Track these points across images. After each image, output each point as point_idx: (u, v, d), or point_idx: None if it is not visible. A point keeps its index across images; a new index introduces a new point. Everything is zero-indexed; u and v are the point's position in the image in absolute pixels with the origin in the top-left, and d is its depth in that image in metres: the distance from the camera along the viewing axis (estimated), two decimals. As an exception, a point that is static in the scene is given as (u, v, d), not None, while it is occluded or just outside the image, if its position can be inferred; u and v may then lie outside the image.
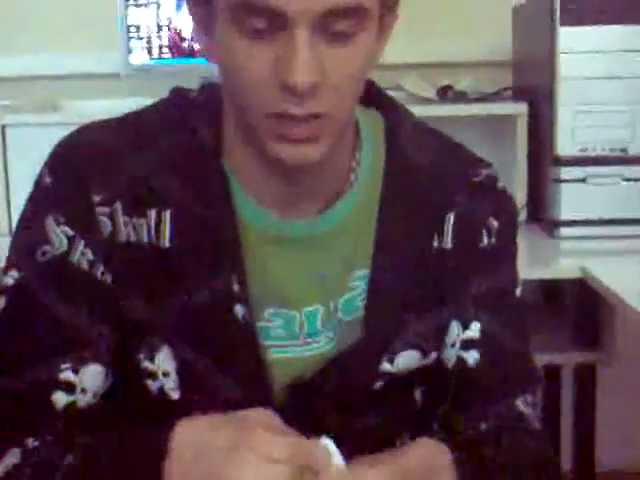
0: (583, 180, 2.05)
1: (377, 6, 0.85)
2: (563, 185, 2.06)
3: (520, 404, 0.99)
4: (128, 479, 0.81)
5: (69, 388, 0.90)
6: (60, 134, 0.96)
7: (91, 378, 0.91)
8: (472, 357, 0.98)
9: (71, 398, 0.90)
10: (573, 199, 2.05)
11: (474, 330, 0.98)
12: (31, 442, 0.88)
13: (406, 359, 0.96)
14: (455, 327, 0.98)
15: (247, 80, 0.83)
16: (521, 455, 0.95)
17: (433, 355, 0.97)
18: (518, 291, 1.02)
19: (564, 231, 2.07)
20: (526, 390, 1.00)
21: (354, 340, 0.95)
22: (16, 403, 0.90)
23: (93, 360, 0.91)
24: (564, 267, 1.93)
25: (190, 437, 0.78)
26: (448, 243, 0.97)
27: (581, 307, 2.06)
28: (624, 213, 2.06)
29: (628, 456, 2.42)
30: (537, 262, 1.94)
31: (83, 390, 0.90)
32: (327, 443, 0.78)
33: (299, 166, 0.87)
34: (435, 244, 0.96)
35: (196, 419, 0.80)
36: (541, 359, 1.06)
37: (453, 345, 0.98)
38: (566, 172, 2.05)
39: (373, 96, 0.99)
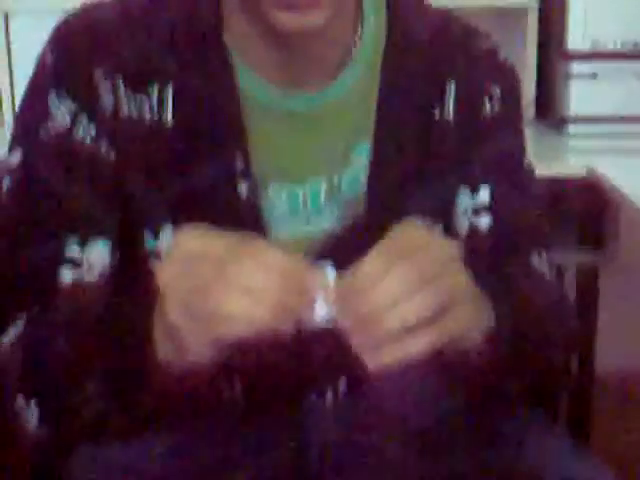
0: (594, 76, 2.01)
1: None
2: (573, 80, 2.02)
3: (536, 262, 1.00)
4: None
5: (76, 264, 0.91)
6: (67, 14, 0.95)
7: (97, 255, 0.92)
8: (484, 222, 0.98)
9: (78, 274, 0.91)
10: (583, 95, 2.02)
11: (484, 195, 0.98)
12: (35, 311, 0.89)
13: None
14: (464, 194, 0.98)
15: None
16: (538, 302, 0.94)
17: (440, 226, 0.97)
18: (525, 158, 1.02)
19: (573, 128, 2.04)
20: (539, 246, 1.01)
21: (357, 217, 0.95)
22: (24, 279, 0.91)
23: (100, 236, 0.91)
24: (571, 165, 1.91)
25: (187, 243, 0.77)
26: (450, 114, 0.97)
27: (587, 206, 2.05)
28: (635, 110, 2.02)
29: (628, 359, 2.43)
30: (544, 159, 1.91)
31: (89, 267, 0.91)
32: (328, 269, 0.76)
33: (301, 33, 0.86)
34: (437, 114, 0.96)
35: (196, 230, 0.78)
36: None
37: (465, 212, 0.98)
38: (576, 67, 2.01)
39: None
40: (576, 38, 2.01)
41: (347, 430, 0.96)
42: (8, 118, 2.17)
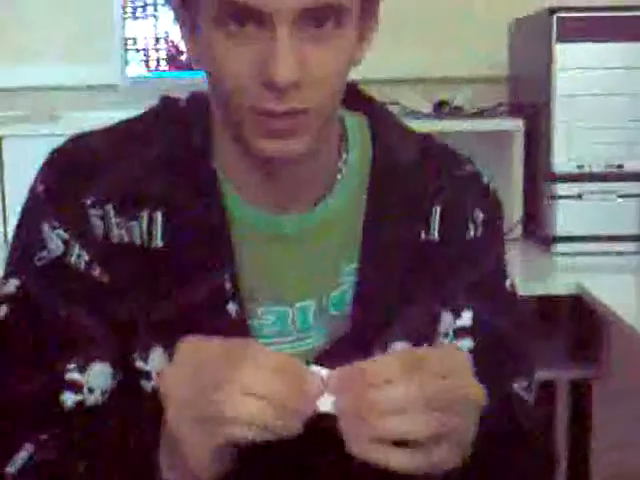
0: (579, 196, 2.06)
1: (358, 6, 0.88)
2: (559, 201, 2.06)
3: (516, 388, 1.00)
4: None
5: (76, 388, 0.91)
6: (56, 145, 0.97)
7: (98, 377, 0.92)
8: (465, 345, 0.99)
9: (79, 397, 0.91)
10: (569, 215, 2.06)
11: (466, 318, 0.99)
12: (43, 438, 0.89)
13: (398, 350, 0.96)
14: (447, 316, 0.99)
15: (231, 79, 0.85)
16: (516, 432, 0.95)
17: (424, 345, 0.98)
18: (508, 282, 1.03)
19: (560, 247, 2.07)
20: (521, 375, 1.01)
21: (344, 334, 0.96)
22: (27, 406, 0.91)
23: (99, 359, 0.92)
24: (560, 283, 1.92)
25: (188, 351, 0.80)
26: (435, 235, 0.98)
27: (576, 323, 2.06)
28: (620, 230, 2.06)
29: (622, 470, 2.41)
30: (533, 278, 1.95)
31: (90, 389, 0.92)
32: (321, 369, 0.79)
33: (282, 160, 0.89)
34: (422, 236, 0.98)
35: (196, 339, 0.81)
36: (536, 375, 1.06)
37: (446, 334, 0.99)
38: (562, 188, 2.06)
39: (358, 99, 1.01)
40: (561, 160, 2.05)
41: None
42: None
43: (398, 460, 0.75)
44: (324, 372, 0.78)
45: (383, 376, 0.75)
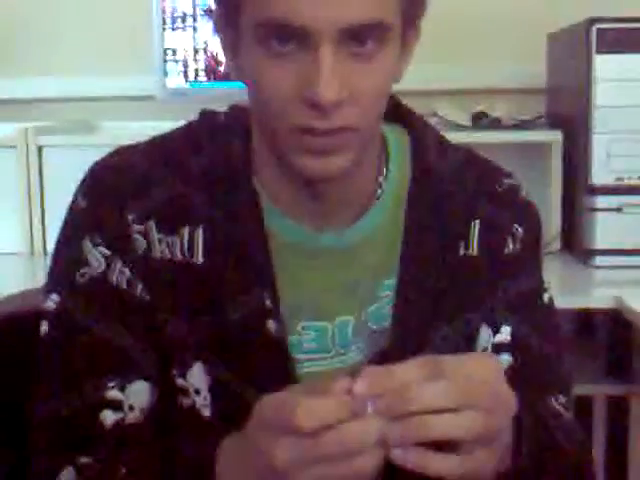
0: (618, 209, 2.04)
1: (399, 22, 0.87)
2: (598, 214, 2.04)
3: (554, 403, 0.99)
4: None
5: (117, 406, 0.91)
6: (95, 156, 0.98)
7: (138, 395, 0.92)
8: (504, 360, 0.98)
9: (119, 415, 0.91)
10: (608, 228, 2.04)
11: (505, 334, 0.99)
12: (84, 460, 0.89)
13: None
14: (485, 332, 0.98)
15: (273, 97, 0.85)
16: (554, 453, 0.93)
17: None
18: (547, 296, 1.02)
19: (599, 260, 2.05)
20: (559, 391, 1.00)
21: (383, 349, 0.95)
22: (67, 425, 0.91)
23: (139, 377, 0.92)
24: (598, 296, 1.91)
25: (227, 454, 0.80)
26: (474, 250, 0.98)
27: (615, 338, 2.04)
28: (659, 243, 2.04)
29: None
30: (571, 291, 1.93)
31: (130, 407, 0.92)
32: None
33: (323, 178, 0.89)
34: (461, 251, 0.98)
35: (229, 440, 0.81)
36: (574, 390, 1.05)
37: (485, 350, 0.98)
38: (601, 201, 2.04)
39: (398, 112, 1.01)
40: (600, 173, 2.04)
41: None
42: (38, 249, 2.21)
43: (437, 464, 0.73)
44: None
45: (413, 377, 0.73)
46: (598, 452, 2.23)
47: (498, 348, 0.98)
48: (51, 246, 0.99)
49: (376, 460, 0.72)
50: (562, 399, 1.00)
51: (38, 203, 2.21)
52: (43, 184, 2.22)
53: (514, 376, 0.96)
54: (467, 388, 0.74)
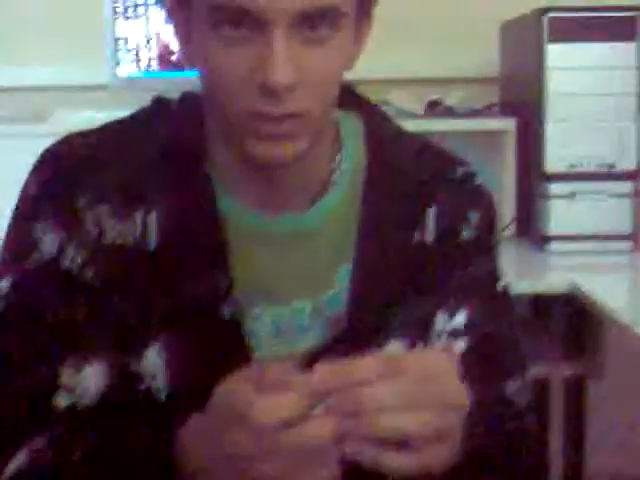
0: (572, 195, 2.06)
1: (353, 8, 0.87)
2: (552, 200, 2.06)
3: (507, 388, 0.99)
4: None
5: (70, 389, 0.91)
6: (46, 145, 0.96)
7: (92, 378, 0.91)
8: (459, 346, 0.98)
9: (73, 399, 0.91)
10: (562, 214, 2.06)
11: (460, 319, 0.99)
12: (36, 443, 0.88)
13: (393, 350, 0.95)
14: (441, 318, 0.98)
15: (225, 82, 0.85)
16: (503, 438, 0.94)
17: (420, 345, 0.98)
18: (502, 284, 1.03)
19: (553, 246, 2.07)
20: (513, 376, 1.01)
21: (339, 335, 0.95)
22: (19, 405, 0.90)
23: (94, 360, 0.91)
24: (553, 281, 1.94)
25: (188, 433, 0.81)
26: (429, 237, 0.98)
27: (570, 321, 2.06)
28: (612, 228, 2.07)
29: (617, 467, 2.41)
30: (526, 276, 1.95)
31: (84, 390, 0.91)
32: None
33: (276, 164, 0.88)
34: (417, 238, 0.98)
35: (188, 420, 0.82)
36: (530, 371, 1.06)
37: (439, 336, 0.98)
38: (555, 188, 2.06)
39: (352, 99, 1.01)
40: (554, 160, 2.06)
41: None
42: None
43: (390, 461, 0.74)
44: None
45: (368, 374, 0.74)
46: (555, 432, 2.26)
47: (453, 334, 0.98)
48: (0, 235, 0.97)
49: (334, 456, 0.73)
50: (518, 384, 1.01)
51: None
52: (-7, 175, 2.19)
53: (469, 361, 0.96)
54: (421, 387, 0.75)
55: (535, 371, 1.05)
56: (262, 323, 0.95)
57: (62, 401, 0.90)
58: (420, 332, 0.97)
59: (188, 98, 0.98)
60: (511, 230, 2.19)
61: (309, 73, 0.84)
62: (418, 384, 0.75)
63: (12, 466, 0.89)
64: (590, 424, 2.20)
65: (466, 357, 0.97)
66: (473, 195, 1.02)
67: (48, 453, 0.88)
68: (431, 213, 0.98)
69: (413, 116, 2.22)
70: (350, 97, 1.00)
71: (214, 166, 0.94)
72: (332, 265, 0.96)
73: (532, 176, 2.14)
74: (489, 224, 1.03)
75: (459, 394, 0.78)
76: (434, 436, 0.75)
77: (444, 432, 0.76)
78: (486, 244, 1.02)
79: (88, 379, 0.91)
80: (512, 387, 1.00)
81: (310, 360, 0.93)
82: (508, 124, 2.21)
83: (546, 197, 2.07)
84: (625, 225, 2.07)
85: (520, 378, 1.01)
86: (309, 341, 0.96)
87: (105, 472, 0.85)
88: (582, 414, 2.17)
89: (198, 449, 0.80)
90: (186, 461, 0.81)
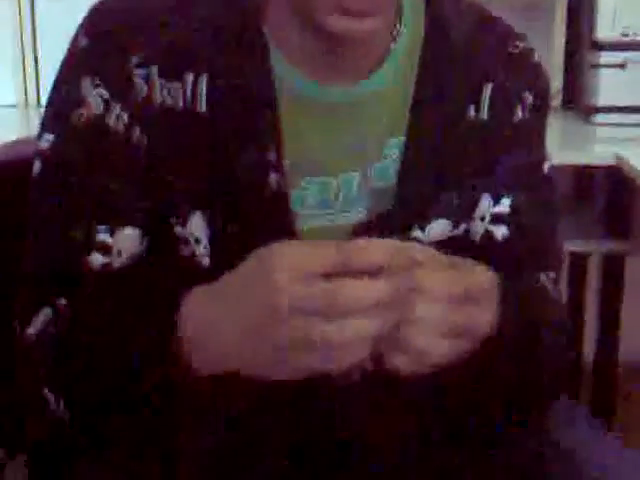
0: (622, 65, 2.01)
1: None
2: (601, 70, 2.02)
3: (543, 278, 1.00)
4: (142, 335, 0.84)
5: (105, 250, 0.91)
6: (91, 3, 0.94)
7: (127, 241, 0.91)
8: (500, 231, 0.98)
9: (107, 259, 0.91)
10: (611, 85, 2.02)
11: (504, 205, 0.98)
12: (63, 302, 0.89)
13: (438, 228, 0.96)
14: (486, 200, 0.98)
15: None
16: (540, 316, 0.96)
17: (463, 226, 0.98)
18: (547, 165, 1.02)
19: (600, 117, 2.04)
20: (550, 267, 1.01)
21: (386, 209, 0.95)
22: (52, 263, 0.91)
23: (129, 223, 0.91)
24: (598, 153, 1.91)
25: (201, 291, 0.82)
26: (484, 114, 0.97)
27: (614, 195, 2.04)
28: (663, 100, 2.02)
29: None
30: (571, 147, 1.93)
31: (119, 252, 0.91)
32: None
33: (356, 39, 0.87)
34: (471, 114, 0.96)
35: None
36: (569, 245, 1.06)
37: (482, 218, 0.98)
38: (605, 56, 2.01)
39: None
40: (605, 27, 2.00)
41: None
42: (32, 100, 2.21)
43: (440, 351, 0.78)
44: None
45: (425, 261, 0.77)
46: (591, 308, 2.27)
47: (496, 219, 0.98)
48: (45, 98, 0.97)
49: (374, 327, 0.74)
50: (552, 275, 1.01)
51: (32, 54, 2.17)
52: (36, 34, 2.17)
53: (509, 248, 0.98)
54: (471, 283, 0.79)
55: (575, 246, 1.04)
56: (309, 193, 0.94)
57: (96, 261, 0.91)
58: (464, 213, 0.97)
59: None
60: (557, 101, 2.15)
61: None
62: (471, 280, 0.79)
63: (39, 319, 0.89)
64: (627, 302, 2.20)
65: (506, 245, 0.98)
66: (530, 74, 0.99)
67: (72, 312, 0.88)
68: (488, 90, 0.97)
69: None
70: None
71: (273, 32, 0.92)
72: (383, 137, 0.95)
73: (582, 44, 2.09)
74: (543, 107, 1.01)
75: (489, 324, 0.81)
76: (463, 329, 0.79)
77: (475, 325, 0.80)
78: (538, 128, 1.01)
79: (123, 241, 0.91)
80: (548, 278, 1.00)
81: (354, 234, 0.94)
82: (559, -10, 2.15)
83: (595, 66, 2.02)
84: (677, 97, 2.02)
85: (556, 270, 1.02)
86: (355, 213, 0.96)
87: (119, 339, 0.85)
88: (619, 292, 2.17)
89: (219, 309, 0.80)
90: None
